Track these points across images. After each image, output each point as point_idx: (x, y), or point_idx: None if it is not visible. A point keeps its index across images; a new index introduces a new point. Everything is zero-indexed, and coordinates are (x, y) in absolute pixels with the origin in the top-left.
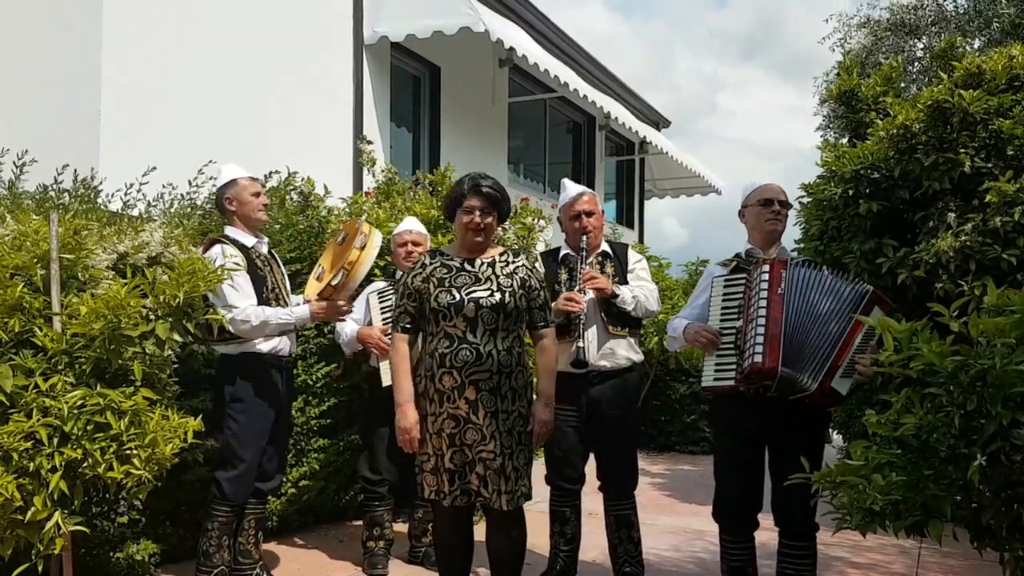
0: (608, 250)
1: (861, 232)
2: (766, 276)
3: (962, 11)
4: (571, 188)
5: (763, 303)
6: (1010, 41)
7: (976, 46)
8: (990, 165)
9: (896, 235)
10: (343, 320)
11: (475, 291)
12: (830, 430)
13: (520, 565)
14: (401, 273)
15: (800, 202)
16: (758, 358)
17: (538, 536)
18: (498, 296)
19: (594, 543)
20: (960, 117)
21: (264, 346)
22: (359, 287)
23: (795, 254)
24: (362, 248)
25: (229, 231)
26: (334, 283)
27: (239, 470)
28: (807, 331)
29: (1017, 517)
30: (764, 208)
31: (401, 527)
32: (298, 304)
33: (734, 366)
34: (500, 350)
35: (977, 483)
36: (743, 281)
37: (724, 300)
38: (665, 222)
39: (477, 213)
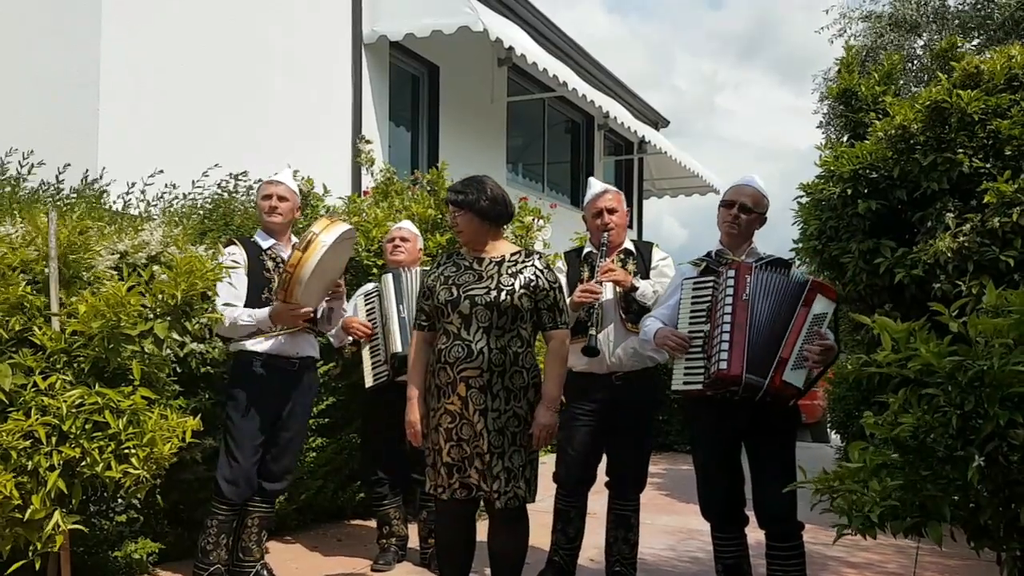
0: (631, 248)
1: (859, 232)
2: (731, 281)
3: (962, 8)
4: (595, 186)
5: (728, 308)
6: (1010, 39)
7: (974, 44)
8: (988, 165)
9: (894, 235)
10: (303, 324)
11: (473, 289)
12: (828, 430)
13: (520, 565)
14: (390, 272)
15: (799, 202)
16: (723, 365)
17: (539, 535)
18: (494, 294)
19: (593, 542)
20: (958, 117)
21: (259, 346)
22: (349, 291)
23: (771, 254)
24: (305, 248)
25: (258, 232)
26: (279, 286)
27: (234, 470)
28: (767, 334)
29: (1015, 517)
30: (725, 210)
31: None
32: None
33: (702, 370)
34: (493, 348)
35: (975, 483)
36: (711, 284)
37: (693, 304)
38: (665, 222)
39: (450, 216)
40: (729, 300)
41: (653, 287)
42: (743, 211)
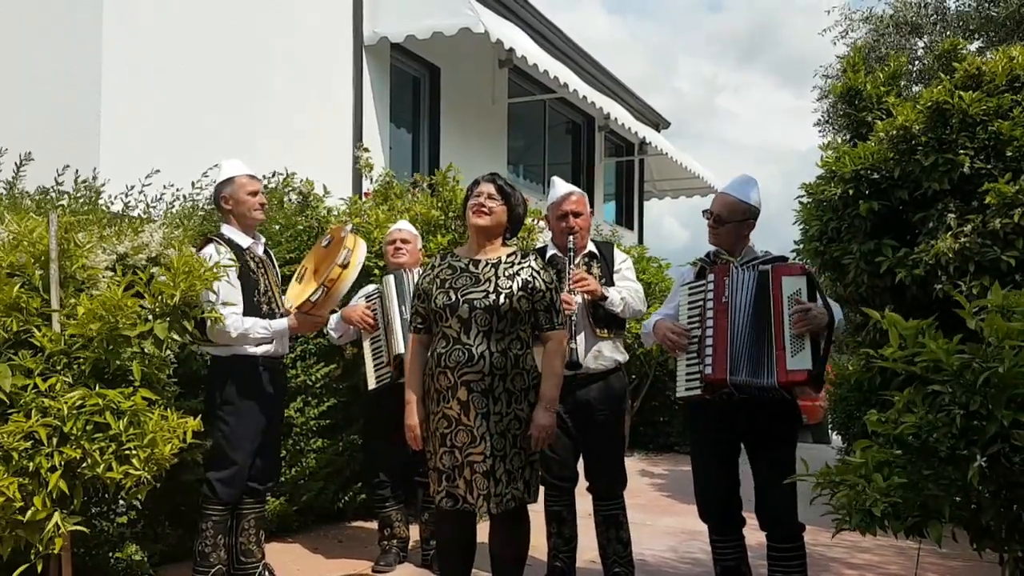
0: (595, 251)
1: (861, 233)
2: (712, 286)
3: (964, 9)
4: (560, 187)
5: (710, 313)
6: (1012, 39)
7: (975, 47)
8: (989, 166)
9: (895, 236)
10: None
11: (471, 292)
12: (829, 431)
13: (521, 567)
14: (390, 273)
15: (800, 202)
16: (708, 369)
17: (537, 537)
18: (493, 298)
19: (591, 544)
20: (960, 118)
21: (256, 349)
22: (349, 293)
23: (766, 253)
24: (344, 266)
25: (225, 230)
26: (313, 299)
27: (230, 471)
28: (747, 333)
29: (1016, 518)
30: (705, 218)
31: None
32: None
33: (699, 375)
34: (494, 352)
35: (977, 484)
36: (703, 288)
37: (689, 308)
38: (666, 223)
39: (484, 196)
40: (711, 304)
41: (620, 294)
42: (717, 222)
